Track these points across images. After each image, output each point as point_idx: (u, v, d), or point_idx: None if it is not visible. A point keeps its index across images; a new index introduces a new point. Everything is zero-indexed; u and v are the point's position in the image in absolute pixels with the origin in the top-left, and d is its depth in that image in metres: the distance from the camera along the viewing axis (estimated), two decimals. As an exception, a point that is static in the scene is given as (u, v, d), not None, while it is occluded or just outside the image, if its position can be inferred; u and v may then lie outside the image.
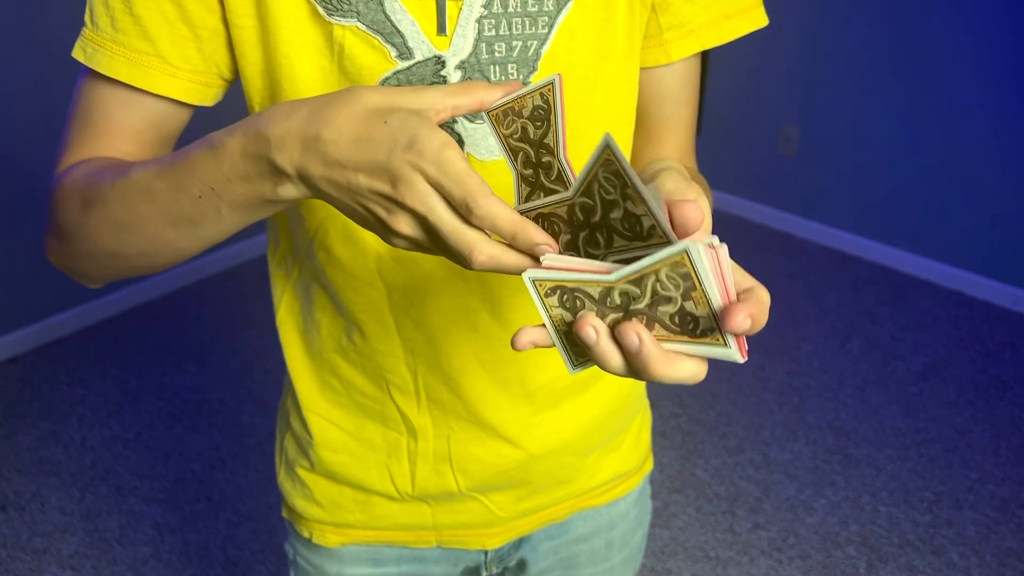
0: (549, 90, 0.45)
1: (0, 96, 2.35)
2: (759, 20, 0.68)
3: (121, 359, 2.58)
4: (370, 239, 0.64)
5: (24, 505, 2.04)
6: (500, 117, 0.47)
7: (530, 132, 0.46)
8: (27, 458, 2.19)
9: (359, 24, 0.58)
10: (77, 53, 0.62)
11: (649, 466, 0.90)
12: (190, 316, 2.78)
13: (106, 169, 0.57)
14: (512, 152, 0.47)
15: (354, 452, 0.76)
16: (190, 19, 0.59)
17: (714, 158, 3.40)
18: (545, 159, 0.45)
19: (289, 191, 0.47)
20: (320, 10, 0.57)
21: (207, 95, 0.63)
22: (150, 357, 2.59)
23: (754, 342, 2.63)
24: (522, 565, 0.87)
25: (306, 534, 0.82)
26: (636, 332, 0.40)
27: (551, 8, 0.60)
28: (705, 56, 3.35)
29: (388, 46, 0.58)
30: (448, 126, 0.61)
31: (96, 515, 2.02)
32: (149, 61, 0.60)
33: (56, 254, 0.63)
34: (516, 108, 0.46)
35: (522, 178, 0.46)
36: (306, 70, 0.59)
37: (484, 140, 0.62)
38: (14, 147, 2.42)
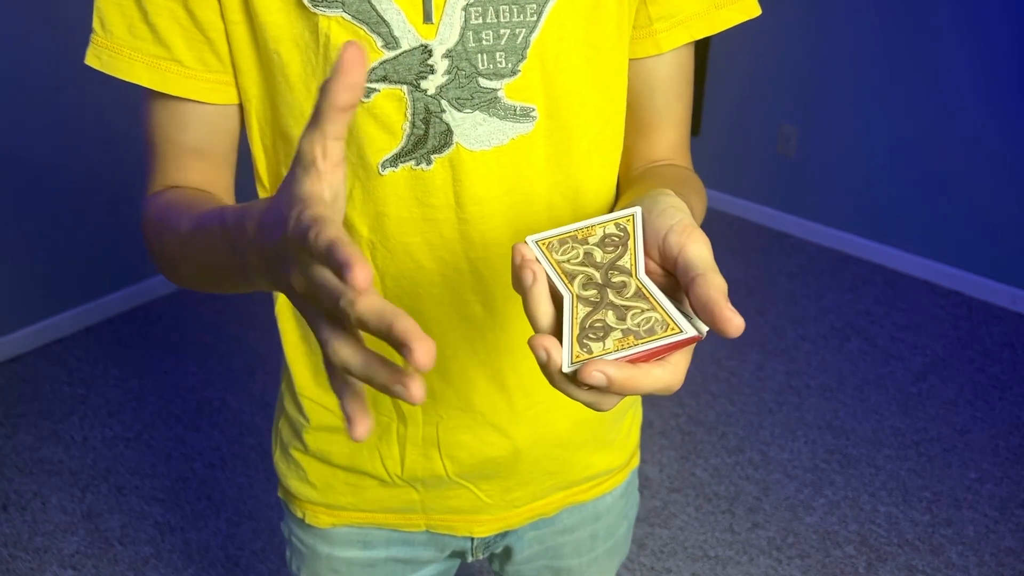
0: (628, 220, 0.47)
1: (0, 97, 2.35)
2: (751, 10, 0.67)
3: (122, 359, 2.58)
4: (362, 226, 0.65)
5: (25, 504, 2.05)
6: (555, 245, 0.48)
7: (596, 256, 0.47)
8: (28, 458, 2.19)
9: (344, 14, 0.58)
10: (91, 60, 0.63)
11: (636, 462, 0.91)
12: (191, 316, 2.79)
13: (168, 219, 0.61)
14: (567, 276, 0.47)
15: (346, 435, 0.77)
16: (200, 23, 0.60)
17: (713, 158, 3.41)
18: (617, 279, 0.46)
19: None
20: (305, 1, 0.58)
21: (230, 93, 0.64)
22: (151, 357, 2.59)
23: (753, 342, 2.63)
24: (508, 552, 0.89)
25: (299, 514, 0.84)
26: (600, 370, 0.41)
27: None
28: (704, 56, 3.35)
29: (374, 36, 0.58)
30: (437, 115, 0.60)
31: (97, 514, 2.02)
32: (167, 65, 0.61)
33: (158, 268, 0.68)
34: (580, 236, 0.48)
35: (580, 299, 0.46)
36: (295, 63, 0.60)
37: (473, 130, 0.61)
38: (15, 147, 2.42)
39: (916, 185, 2.93)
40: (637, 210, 0.47)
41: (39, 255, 2.56)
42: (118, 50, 0.61)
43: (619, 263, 0.46)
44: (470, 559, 0.87)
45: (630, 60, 0.68)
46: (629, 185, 0.71)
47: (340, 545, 0.83)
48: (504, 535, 0.86)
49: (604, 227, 0.47)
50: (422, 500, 0.79)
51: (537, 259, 0.47)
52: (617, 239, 0.47)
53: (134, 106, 2.58)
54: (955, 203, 2.85)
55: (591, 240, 0.47)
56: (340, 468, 0.79)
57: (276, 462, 0.85)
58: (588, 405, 0.45)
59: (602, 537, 0.90)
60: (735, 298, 2.85)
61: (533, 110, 0.62)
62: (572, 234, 0.47)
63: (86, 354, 2.60)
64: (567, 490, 0.83)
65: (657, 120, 0.72)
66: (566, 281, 0.46)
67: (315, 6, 0.58)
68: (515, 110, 0.62)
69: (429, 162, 0.62)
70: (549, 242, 0.47)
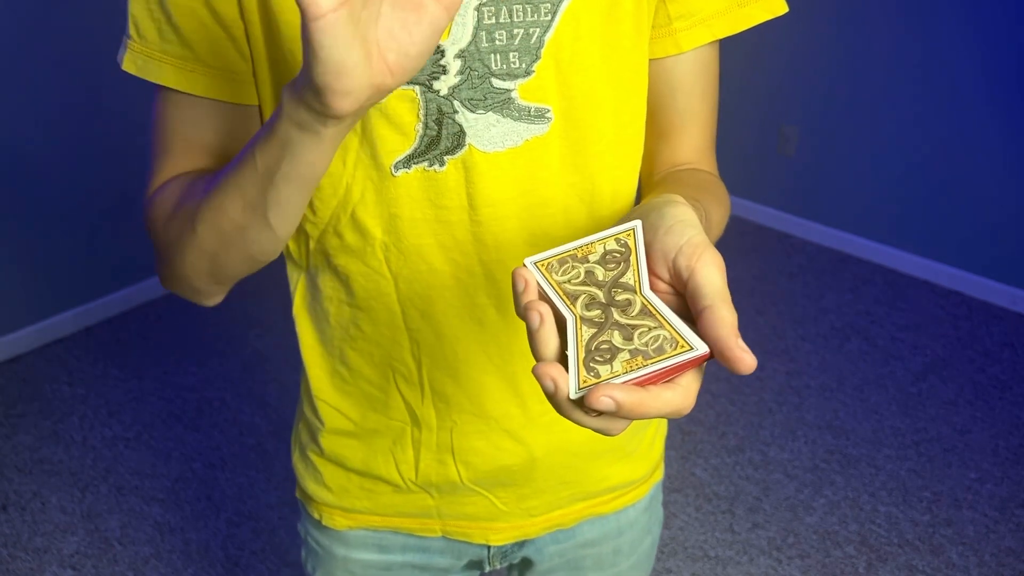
0: (629, 235, 0.45)
1: (1, 98, 2.35)
2: (776, 8, 0.65)
3: (122, 359, 2.58)
4: (375, 228, 0.65)
5: (25, 505, 2.05)
6: (555, 265, 0.46)
7: (598, 275, 0.45)
8: (28, 458, 2.19)
9: None
10: (127, 66, 0.63)
11: (660, 475, 0.89)
12: (191, 316, 2.79)
13: (187, 183, 0.61)
14: (569, 297, 0.45)
15: (361, 439, 0.77)
16: (223, 21, 0.60)
17: (713, 158, 3.40)
18: (621, 297, 0.44)
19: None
20: None
21: (250, 93, 0.64)
22: (151, 357, 2.59)
23: (754, 342, 2.63)
24: (527, 563, 0.88)
25: (316, 516, 0.83)
26: (608, 395, 0.39)
27: None
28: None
29: None
30: (450, 116, 0.60)
31: (97, 514, 2.02)
32: (192, 66, 0.61)
33: (166, 280, 0.65)
34: (580, 255, 0.46)
35: (583, 320, 0.44)
36: None
37: (487, 131, 0.61)
38: (15, 148, 2.42)
39: (916, 185, 2.93)
40: (637, 223, 0.46)
41: (39, 255, 2.56)
42: (151, 54, 0.62)
43: (622, 280, 0.45)
44: (487, 569, 0.86)
45: (651, 61, 0.67)
46: (650, 190, 0.70)
47: (356, 548, 0.83)
48: (522, 545, 0.85)
49: (604, 244, 0.46)
50: (437, 506, 0.79)
51: (538, 283, 0.46)
52: (619, 255, 0.45)
53: (135, 106, 2.58)
54: (955, 203, 2.85)
55: (591, 258, 0.46)
56: (355, 472, 0.79)
57: (295, 463, 0.85)
58: (597, 431, 0.43)
59: (625, 552, 0.88)
60: (735, 298, 2.85)
61: (548, 111, 0.61)
62: (572, 253, 0.46)
63: (86, 354, 2.60)
64: (585, 501, 0.82)
65: (679, 123, 0.70)
66: (568, 303, 0.44)
67: None
68: (529, 111, 0.61)
69: (442, 163, 0.61)
70: (548, 263, 0.46)
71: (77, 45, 2.42)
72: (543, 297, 0.46)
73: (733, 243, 3.21)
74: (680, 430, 2.27)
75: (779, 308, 2.81)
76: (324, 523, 0.83)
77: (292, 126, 0.48)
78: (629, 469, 0.83)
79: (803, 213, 3.26)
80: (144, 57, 0.62)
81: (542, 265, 0.46)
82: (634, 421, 0.80)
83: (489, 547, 0.83)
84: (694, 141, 0.71)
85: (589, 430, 0.76)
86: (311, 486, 0.83)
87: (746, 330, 2.69)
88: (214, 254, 0.58)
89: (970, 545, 1.92)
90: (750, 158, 3.36)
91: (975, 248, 2.84)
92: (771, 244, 3.23)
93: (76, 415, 2.34)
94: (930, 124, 2.83)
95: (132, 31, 0.62)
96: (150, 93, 0.66)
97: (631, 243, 0.46)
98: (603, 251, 0.46)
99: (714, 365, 2.52)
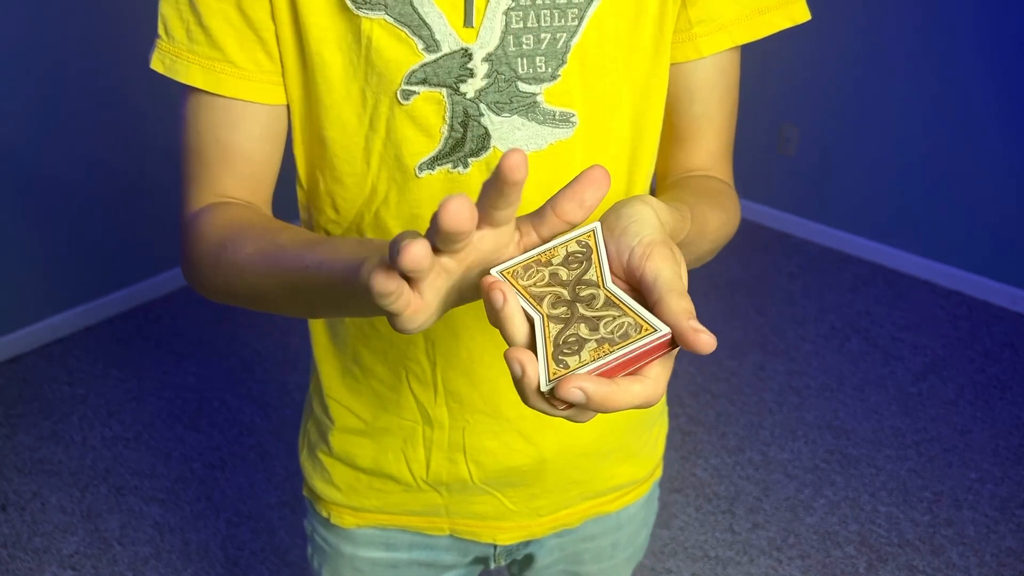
0: (589, 236, 0.47)
1: (1, 98, 2.35)
2: (798, 15, 0.65)
3: (122, 359, 2.58)
4: (397, 228, 0.65)
5: (24, 505, 2.05)
6: (520, 272, 0.47)
7: (562, 275, 0.46)
8: (27, 458, 2.19)
9: (386, 17, 0.58)
10: (156, 65, 0.63)
11: (659, 473, 0.91)
12: (191, 316, 2.79)
13: (236, 237, 0.60)
14: (535, 299, 0.46)
15: (371, 438, 0.78)
16: (252, 22, 0.60)
17: (714, 158, 3.40)
18: (586, 292, 0.45)
19: None
20: (348, 3, 0.58)
21: (280, 94, 0.64)
22: (151, 357, 2.59)
23: (753, 342, 2.63)
24: (529, 559, 0.89)
25: (324, 514, 0.84)
26: (578, 387, 0.39)
27: (581, 0, 0.59)
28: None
29: (415, 39, 0.59)
30: (475, 119, 0.61)
31: (96, 515, 2.02)
32: (221, 67, 0.61)
33: (191, 281, 0.66)
34: (543, 260, 0.47)
35: (550, 318, 0.45)
36: (336, 64, 0.60)
37: (512, 134, 0.61)
38: (14, 147, 2.42)
39: (916, 185, 2.93)
40: (596, 225, 0.48)
41: (39, 255, 2.56)
42: (178, 54, 0.62)
43: (585, 277, 0.46)
44: (492, 566, 0.87)
45: (671, 65, 0.67)
46: (662, 193, 0.70)
47: (364, 546, 0.84)
48: (526, 543, 0.86)
49: (566, 247, 0.47)
50: (446, 504, 0.79)
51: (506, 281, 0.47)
52: (581, 255, 0.47)
53: (136, 106, 2.57)
54: (955, 203, 2.85)
55: (555, 261, 0.47)
56: (364, 471, 0.79)
57: (302, 462, 0.86)
58: (566, 419, 0.44)
59: (623, 545, 0.90)
60: (735, 298, 2.85)
61: (573, 116, 0.62)
62: (536, 258, 0.47)
63: (86, 354, 2.60)
64: (592, 500, 0.83)
65: (695, 128, 0.70)
66: (535, 304, 0.46)
67: (358, 8, 0.58)
68: (554, 115, 0.62)
69: (466, 165, 0.62)
70: (514, 270, 0.47)
71: (77, 45, 2.42)
72: None
73: (733, 243, 3.21)
74: (680, 430, 2.27)
75: (779, 308, 2.81)
76: (332, 521, 0.83)
77: (367, 303, 0.49)
78: (634, 468, 0.84)
79: (803, 213, 3.26)
80: (172, 57, 0.62)
81: (508, 273, 0.47)
82: (639, 420, 0.81)
83: (495, 546, 0.84)
84: (709, 146, 0.71)
85: (597, 432, 0.77)
86: (319, 485, 0.83)
87: (746, 330, 2.69)
88: (249, 302, 0.61)
89: (970, 545, 1.92)
90: (750, 158, 3.36)
91: (975, 248, 2.84)
92: (771, 244, 3.23)
93: (76, 415, 2.34)
94: (930, 124, 2.83)
95: (161, 31, 0.62)
96: (154, 93, 0.66)
97: (592, 243, 0.47)
98: (565, 253, 0.47)
99: (715, 366, 2.52)
